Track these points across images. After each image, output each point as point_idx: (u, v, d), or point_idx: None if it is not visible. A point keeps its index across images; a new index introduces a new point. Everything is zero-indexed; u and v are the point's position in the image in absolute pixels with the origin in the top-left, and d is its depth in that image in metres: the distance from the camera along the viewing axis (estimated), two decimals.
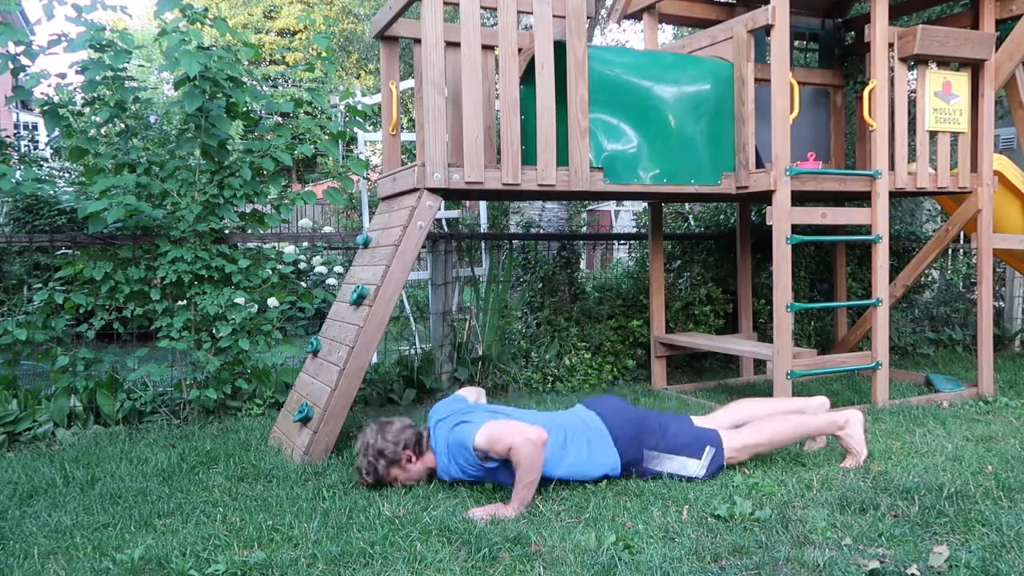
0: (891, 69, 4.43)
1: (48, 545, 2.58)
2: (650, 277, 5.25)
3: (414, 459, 3.08)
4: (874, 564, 2.26)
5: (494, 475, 2.96)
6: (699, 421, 3.29)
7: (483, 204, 5.89)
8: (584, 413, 3.19)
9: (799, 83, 4.33)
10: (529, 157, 3.96)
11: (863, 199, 5.15)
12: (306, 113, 5.16)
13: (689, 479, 3.08)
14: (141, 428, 4.16)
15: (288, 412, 3.86)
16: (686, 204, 6.59)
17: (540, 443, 2.81)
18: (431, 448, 3.12)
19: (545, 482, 3.03)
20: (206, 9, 4.47)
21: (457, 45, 3.79)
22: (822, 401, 3.49)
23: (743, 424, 3.28)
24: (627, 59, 4.21)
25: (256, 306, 4.59)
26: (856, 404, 4.43)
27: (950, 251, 7.20)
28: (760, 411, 3.38)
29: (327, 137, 4.66)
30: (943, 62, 4.53)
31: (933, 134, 4.59)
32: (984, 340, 4.77)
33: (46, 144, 7.75)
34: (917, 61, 4.47)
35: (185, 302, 4.44)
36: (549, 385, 5.09)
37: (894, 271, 5.51)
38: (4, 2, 4.08)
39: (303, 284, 7.69)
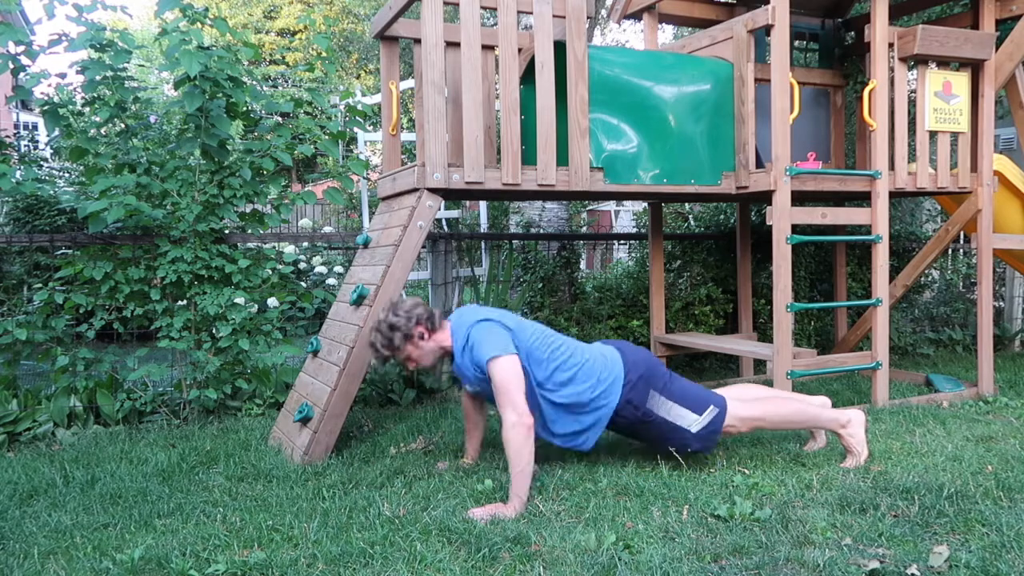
0: (891, 69, 4.43)
1: (48, 545, 2.58)
2: (650, 277, 5.25)
3: (427, 335, 3.14)
4: (874, 564, 2.26)
5: (491, 393, 3.03)
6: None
7: (483, 204, 5.89)
8: (603, 347, 3.28)
9: (799, 83, 4.33)
10: (529, 157, 3.96)
11: (863, 199, 5.14)
12: (306, 113, 5.16)
13: (683, 435, 3.12)
14: (141, 428, 4.16)
15: (288, 412, 3.86)
16: (686, 204, 6.59)
17: (524, 427, 2.86)
18: (446, 327, 3.18)
19: (544, 483, 3.03)
20: (206, 9, 4.47)
21: (457, 45, 3.79)
22: (823, 401, 3.49)
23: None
24: (627, 59, 4.21)
25: (256, 306, 4.59)
26: (856, 404, 4.43)
27: (950, 251, 7.20)
28: (767, 393, 3.45)
29: (327, 137, 4.66)
30: (943, 62, 4.53)
31: (933, 134, 4.59)
32: (984, 340, 4.77)
33: (46, 144, 7.76)
34: (917, 61, 4.47)
35: (185, 302, 4.44)
36: None
37: (894, 271, 5.51)
38: (4, 2, 4.08)
39: (303, 284, 7.68)
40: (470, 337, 3.09)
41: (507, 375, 2.94)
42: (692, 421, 3.14)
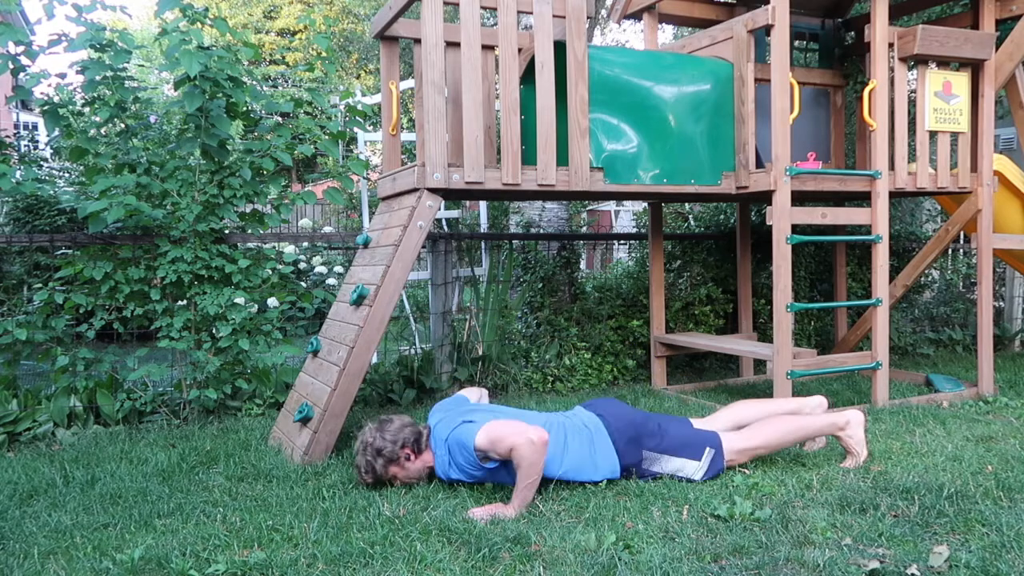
0: (891, 69, 4.43)
1: (48, 545, 2.57)
2: (650, 277, 5.25)
3: (413, 457, 3.07)
4: (874, 564, 2.26)
5: (494, 475, 2.96)
6: (699, 423, 3.29)
7: (483, 204, 5.89)
8: (584, 415, 3.19)
9: (799, 83, 4.33)
10: (529, 157, 3.96)
11: (863, 199, 5.15)
12: (306, 113, 5.16)
13: (689, 480, 3.08)
14: (141, 428, 4.16)
15: (288, 412, 3.86)
16: (686, 204, 6.59)
17: (542, 444, 2.80)
18: (430, 447, 3.11)
19: (545, 482, 3.03)
20: (206, 9, 4.47)
21: (457, 45, 3.79)
22: (820, 401, 3.48)
23: (743, 426, 3.28)
24: (627, 59, 4.21)
25: (256, 306, 4.59)
26: (856, 404, 4.43)
27: (950, 251, 7.20)
28: (759, 412, 3.37)
29: (327, 137, 4.66)
30: (943, 62, 4.53)
31: (933, 134, 4.59)
32: (984, 340, 4.77)
33: (46, 144, 7.76)
34: (917, 61, 4.47)
35: (185, 302, 4.44)
36: (549, 385, 5.10)
37: (894, 271, 5.51)
38: (4, 2, 4.08)
39: (303, 284, 7.69)
40: (450, 450, 3.00)
41: (495, 429, 2.86)
42: (694, 470, 3.09)
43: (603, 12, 8.78)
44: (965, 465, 3.21)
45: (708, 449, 3.11)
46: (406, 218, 3.65)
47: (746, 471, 3.17)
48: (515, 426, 2.86)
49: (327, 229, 10.78)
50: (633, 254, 6.53)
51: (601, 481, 3.06)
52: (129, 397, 4.26)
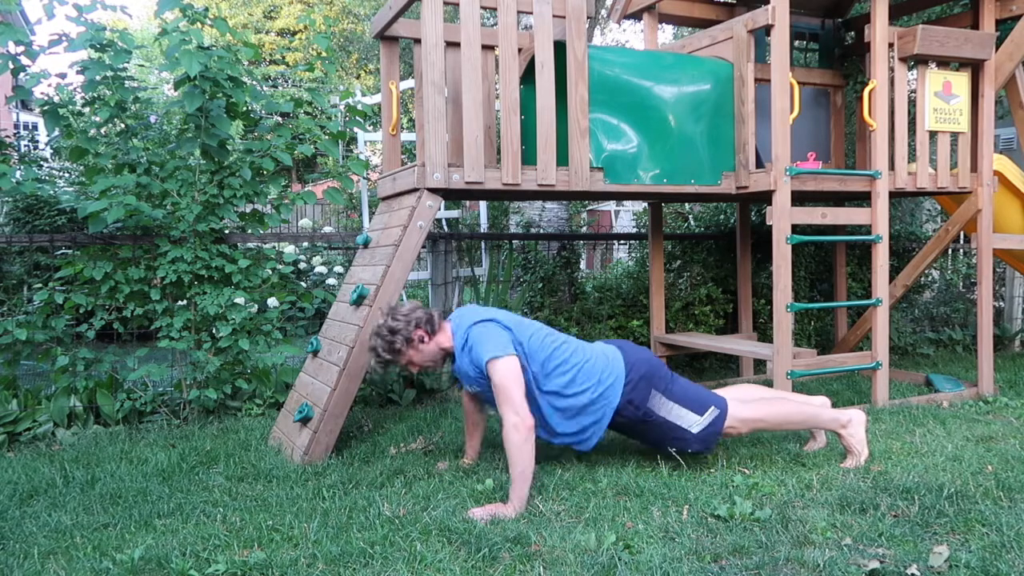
0: (891, 69, 4.43)
1: (48, 545, 2.58)
2: (650, 277, 5.25)
3: (427, 338, 3.14)
4: (874, 564, 2.26)
5: (491, 394, 3.03)
6: None
7: (483, 204, 5.89)
8: (604, 346, 3.27)
9: (799, 83, 4.33)
10: (529, 157, 3.96)
11: (863, 199, 5.15)
12: (306, 113, 5.16)
13: (683, 434, 3.12)
14: (141, 428, 4.16)
15: (288, 412, 3.86)
16: (686, 204, 6.59)
17: (526, 428, 2.85)
18: (446, 328, 3.18)
19: (545, 482, 3.03)
20: (206, 9, 4.47)
21: (457, 45, 3.79)
22: (823, 401, 3.49)
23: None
24: (627, 59, 4.21)
25: (256, 306, 4.59)
26: (856, 404, 4.43)
27: (950, 251, 7.20)
28: (767, 393, 3.44)
29: (327, 137, 4.66)
30: (943, 62, 4.53)
31: (933, 134, 4.59)
32: (984, 340, 4.77)
33: (46, 144, 7.76)
34: (917, 61, 4.47)
35: (185, 302, 4.44)
36: None
37: (894, 271, 5.51)
38: (4, 2, 4.07)
39: (303, 284, 7.69)
40: (469, 338, 3.08)
41: (506, 376, 2.93)
42: (693, 422, 3.14)
43: (603, 12, 8.78)
44: (965, 465, 3.21)
45: (713, 408, 3.17)
46: (406, 218, 3.65)
47: (746, 471, 3.17)
48: (517, 396, 2.90)
49: (327, 229, 10.78)
50: (633, 254, 6.53)
51: (600, 404, 3.10)
52: (129, 397, 4.26)
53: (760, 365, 5.54)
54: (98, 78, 4.21)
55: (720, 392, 3.36)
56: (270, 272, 4.66)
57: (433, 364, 3.21)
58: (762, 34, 4.73)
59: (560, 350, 3.13)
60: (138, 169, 4.32)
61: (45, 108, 4.23)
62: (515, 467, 2.82)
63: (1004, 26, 4.80)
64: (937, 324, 6.80)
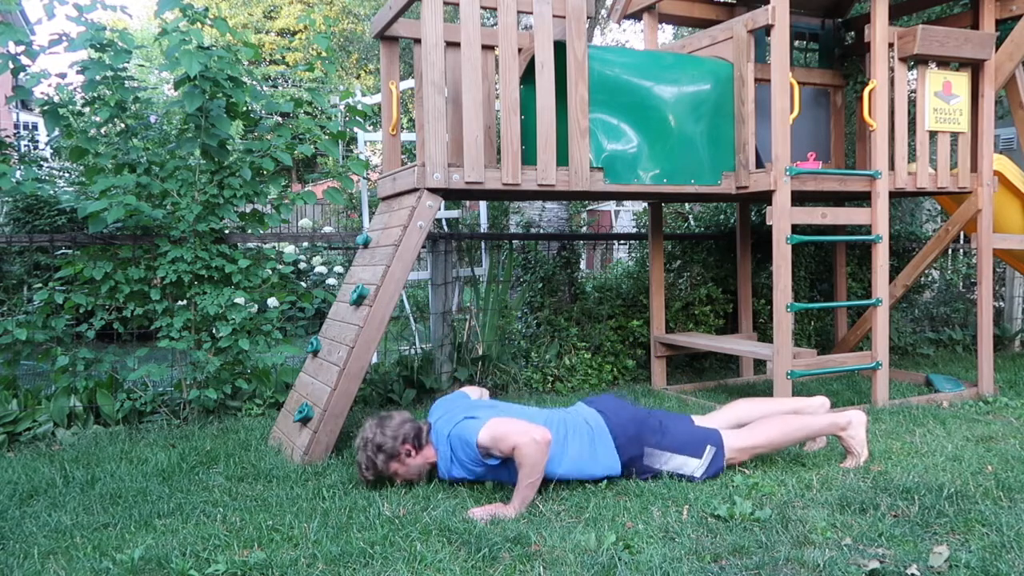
0: (891, 69, 4.43)
1: (48, 545, 2.57)
2: (650, 277, 5.25)
3: (413, 453, 3.07)
4: (874, 564, 2.26)
5: (496, 473, 2.96)
6: (700, 421, 3.29)
7: (483, 204, 5.89)
8: (585, 411, 3.19)
9: (799, 83, 4.33)
10: (529, 157, 3.96)
11: (863, 199, 5.15)
12: (306, 113, 5.16)
13: (689, 478, 3.08)
14: (141, 428, 4.16)
15: (288, 412, 3.86)
16: (686, 204, 6.59)
17: (544, 443, 2.80)
18: (431, 443, 3.11)
19: (545, 482, 3.03)
20: (206, 9, 4.47)
21: (457, 45, 3.79)
22: (822, 401, 3.48)
23: (743, 424, 3.28)
24: (627, 59, 4.21)
25: (256, 306, 4.59)
26: (856, 404, 4.43)
27: (950, 251, 7.21)
28: (761, 411, 3.37)
29: (327, 137, 4.66)
30: (943, 62, 4.53)
31: (933, 134, 4.59)
32: (984, 340, 4.77)
33: (46, 144, 7.76)
34: (917, 61, 4.47)
35: (185, 302, 4.44)
36: (549, 385, 5.10)
37: (894, 271, 5.51)
38: (4, 2, 4.08)
39: (303, 284, 7.69)
40: (452, 445, 3.00)
41: (498, 426, 2.86)
42: (695, 467, 3.09)
43: (603, 12, 8.78)
44: (965, 465, 3.21)
45: (709, 447, 3.11)
46: (406, 218, 3.65)
47: (746, 471, 3.17)
48: (518, 425, 2.86)
49: (327, 229, 10.78)
50: (633, 254, 6.53)
51: (602, 479, 3.06)
52: (129, 397, 4.26)
53: (760, 365, 5.54)
54: (98, 78, 4.21)
55: (713, 421, 3.31)
56: (270, 272, 4.66)
57: (418, 477, 3.11)
58: (762, 34, 4.73)
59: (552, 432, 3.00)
60: (138, 169, 4.32)
61: (45, 108, 4.23)
62: (527, 477, 2.79)
63: (1004, 26, 4.80)
64: (937, 324, 6.80)
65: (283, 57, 22.40)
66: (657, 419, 3.19)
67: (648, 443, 3.10)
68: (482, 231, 5.84)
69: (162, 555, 2.42)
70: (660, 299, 5.21)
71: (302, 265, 8.96)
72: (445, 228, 5.81)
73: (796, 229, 4.81)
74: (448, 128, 3.73)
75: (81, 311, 4.32)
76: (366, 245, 4.07)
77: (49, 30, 32.90)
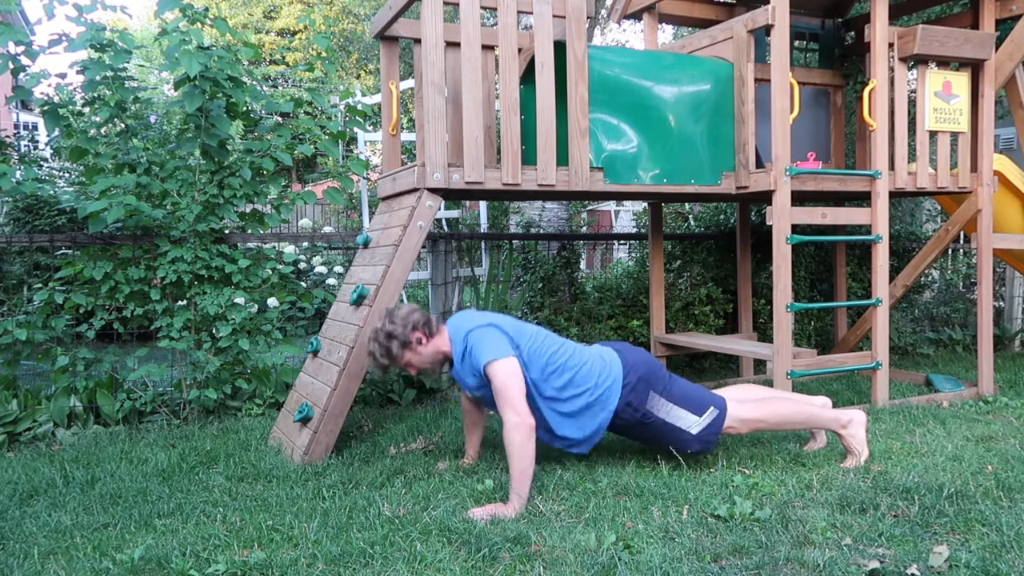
0: (891, 69, 4.43)
1: (48, 545, 2.58)
2: (650, 277, 5.25)
3: (424, 340, 3.13)
4: (874, 564, 2.26)
5: (491, 397, 3.02)
6: None
7: (483, 204, 5.89)
8: (601, 348, 3.26)
9: (799, 83, 4.33)
10: (529, 157, 3.96)
11: (863, 199, 5.15)
12: (306, 113, 5.16)
13: (683, 434, 3.12)
14: (141, 428, 4.16)
15: (288, 412, 3.86)
16: (686, 204, 6.59)
17: (527, 427, 2.85)
18: (444, 332, 3.17)
19: (545, 482, 3.03)
20: (206, 9, 4.47)
21: (457, 45, 3.79)
22: (823, 401, 3.49)
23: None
24: (627, 59, 4.20)
25: (256, 306, 4.59)
26: (856, 404, 4.43)
27: (950, 251, 7.20)
28: (767, 393, 3.43)
29: (327, 137, 4.66)
30: (943, 62, 4.53)
31: (933, 134, 4.59)
32: (984, 340, 4.77)
33: (46, 144, 7.76)
34: (917, 61, 4.47)
35: (185, 302, 4.44)
36: None
37: (894, 271, 5.51)
38: (4, 2, 4.08)
39: (303, 284, 7.69)
40: (468, 342, 3.07)
41: (506, 378, 2.93)
42: (692, 423, 3.13)
43: (603, 12, 8.78)
44: (965, 465, 3.21)
45: (712, 408, 3.16)
46: (406, 218, 3.65)
47: (746, 471, 3.17)
48: (520, 402, 2.90)
49: (327, 229, 10.78)
50: (633, 254, 6.53)
51: (599, 407, 3.10)
52: (129, 397, 4.26)
53: (760, 365, 5.54)
54: (98, 78, 4.21)
55: (719, 392, 3.35)
56: (270, 272, 4.66)
57: (432, 366, 3.20)
58: (762, 34, 4.73)
59: (557, 354, 3.12)
60: (138, 169, 4.32)
61: (45, 108, 4.23)
62: (516, 467, 2.82)
63: (1004, 26, 4.80)
64: (937, 324, 6.80)
65: (283, 57, 22.39)
66: (668, 372, 3.26)
67: (655, 388, 3.15)
68: (482, 231, 5.84)
69: (162, 555, 2.42)
70: (660, 299, 5.21)
71: (302, 265, 8.96)
72: (445, 228, 5.81)
73: (796, 229, 4.81)
74: (448, 128, 3.73)
75: (81, 311, 4.32)
76: (366, 245, 4.07)
77: (49, 30, 32.90)
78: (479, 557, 2.38)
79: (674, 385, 3.20)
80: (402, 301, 5.57)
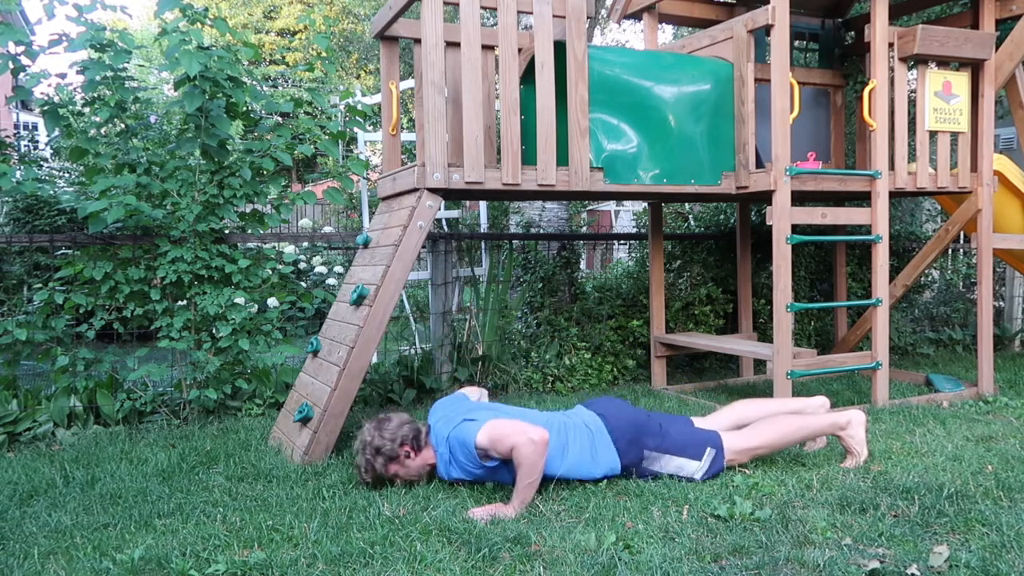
0: (891, 69, 4.43)
1: (48, 545, 2.58)
2: (650, 277, 5.25)
3: (413, 455, 3.07)
4: (874, 564, 2.26)
5: (494, 474, 2.96)
6: (699, 422, 3.29)
7: (483, 204, 5.89)
8: (585, 414, 3.19)
9: (799, 83, 4.33)
10: (529, 157, 3.96)
11: (863, 199, 5.15)
12: (306, 113, 5.16)
13: (689, 480, 3.08)
14: (141, 428, 4.16)
15: (288, 412, 3.86)
16: (686, 204, 6.59)
17: (542, 443, 2.81)
18: (430, 444, 3.11)
19: (545, 482, 3.03)
20: (206, 9, 4.47)
21: (457, 45, 3.79)
22: (822, 401, 3.48)
23: (743, 425, 3.28)
24: (627, 59, 4.21)
25: (256, 306, 4.59)
26: (856, 404, 4.43)
27: (950, 251, 7.20)
28: (761, 412, 3.37)
29: (327, 137, 4.66)
30: (943, 62, 4.53)
31: (933, 134, 4.59)
32: (984, 340, 4.77)
33: (46, 144, 7.76)
34: (917, 61, 4.47)
35: (185, 302, 4.44)
36: (549, 385, 5.09)
37: (894, 271, 5.51)
38: (4, 2, 4.08)
39: (303, 284, 7.69)
40: (451, 447, 3.00)
41: (496, 428, 2.86)
42: (695, 470, 3.09)
43: (603, 12, 8.78)
44: (965, 465, 3.21)
45: (709, 449, 3.11)
46: (406, 218, 3.65)
47: (746, 471, 3.17)
48: (516, 425, 2.86)
49: (327, 229, 10.78)
50: (633, 254, 6.53)
51: (601, 479, 3.06)
52: (129, 397, 4.26)
53: (760, 365, 5.54)
54: (98, 78, 4.21)
55: (713, 423, 3.30)
56: (270, 272, 4.66)
57: (418, 478, 3.11)
58: (762, 34, 4.73)
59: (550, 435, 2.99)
60: (138, 169, 4.32)
61: (45, 108, 4.23)
62: (525, 477, 2.79)
63: (1004, 26, 4.80)
64: (937, 324, 6.80)
65: (283, 57, 22.39)
66: (656, 422, 3.18)
67: (648, 446, 3.10)
68: (482, 231, 5.84)
69: (162, 555, 2.42)
70: (660, 299, 5.21)
71: (302, 265, 8.96)
72: (445, 228, 5.81)
73: (796, 229, 4.80)
74: (448, 128, 3.73)
75: (81, 311, 4.32)
76: (366, 245, 4.07)
77: (49, 30, 32.89)
78: (479, 557, 2.38)
79: (667, 436, 3.12)
80: (402, 302, 5.57)
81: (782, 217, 4.10)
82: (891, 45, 4.40)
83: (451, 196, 4.46)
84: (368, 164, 5.13)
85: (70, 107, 4.38)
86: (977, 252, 4.80)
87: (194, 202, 4.32)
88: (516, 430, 2.83)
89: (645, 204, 5.76)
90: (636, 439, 3.09)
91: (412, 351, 5.17)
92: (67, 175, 8.23)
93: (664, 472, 3.10)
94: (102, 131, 4.49)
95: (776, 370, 4.14)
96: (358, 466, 3.07)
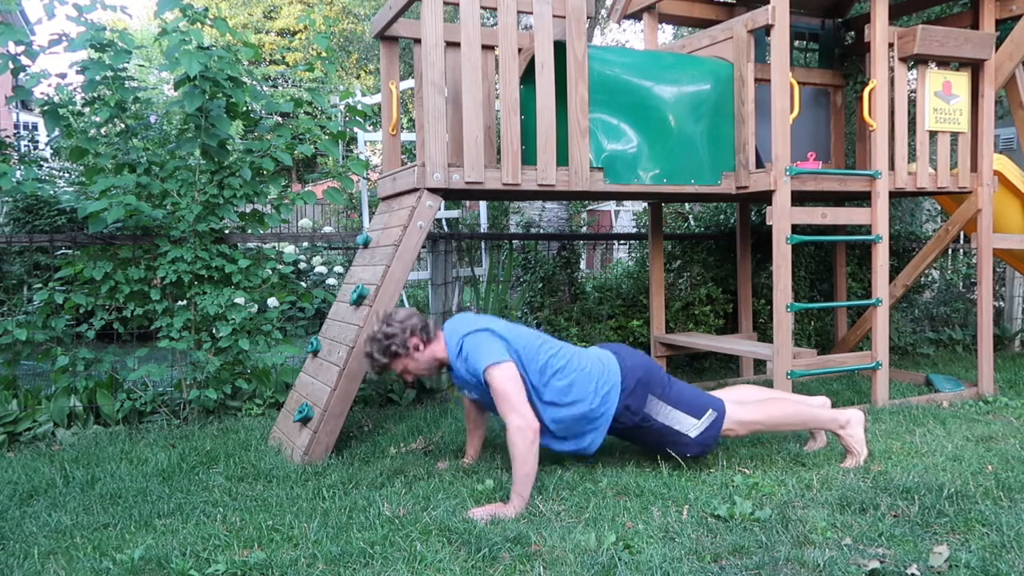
0: (891, 69, 4.43)
1: (48, 545, 2.58)
2: (650, 277, 5.25)
3: (422, 347, 3.12)
4: (874, 564, 2.26)
5: (490, 401, 3.00)
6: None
7: (483, 204, 5.89)
8: (599, 351, 3.24)
9: (799, 83, 4.33)
10: (529, 157, 3.96)
11: (863, 199, 5.15)
12: (306, 113, 5.16)
13: (682, 437, 3.11)
14: (141, 428, 4.16)
15: (288, 412, 3.86)
16: (686, 204, 6.59)
17: (533, 434, 2.84)
18: (440, 337, 3.15)
19: (545, 481, 3.03)
20: (206, 9, 4.47)
21: (457, 45, 3.79)
22: (823, 401, 3.49)
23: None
24: (627, 59, 4.20)
25: (256, 306, 4.59)
26: (856, 404, 4.43)
27: (950, 251, 7.20)
28: (764, 397, 3.42)
29: (327, 137, 4.66)
30: (943, 62, 4.53)
31: (933, 134, 4.59)
32: (984, 340, 4.77)
33: (46, 144, 7.77)
34: (917, 61, 4.47)
35: (185, 302, 4.44)
36: None
37: (894, 271, 5.51)
38: (4, 2, 4.08)
39: (303, 284, 7.68)
40: (463, 347, 3.05)
41: (506, 382, 2.91)
42: (691, 425, 3.13)
43: (603, 12, 8.78)
44: (965, 465, 3.21)
45: (711, 411, 3.15)
46: (406, 218, 3.65)
47: (746, 471, 3.17)
48: (522, 405, 2.88)
49: (327, 229, 10.78)
50: (633, 254, 6.53)
51: (598, 412, 3.08)
52: (129, 397, 4.26)
53: (760, 365, 5.54)
54: (98, 78, 4.21)
55: (718, 393, 3.35)
56: (270, 272, 4.66)
57: (428, 372, 3.18)
58: (762, 34, 4.73)
59: (556, 358, 3.10)
60: (138, 169, 4.32)
61: (45, 108, 4.23)
62: (519, 470, 2.81)
63: (1004, 26, 4.80)
64: (937, 324, 6.80)
65: (283, 57, 22.39)
66: (667, 375, 3.25)
67: (654, 392, 3.14)
68: (482, 231, 5.84)
69: (162, 555, 2.42)
70: (660, 299, 5.21)
71: (302, 265, 8.96)
72: (445, 228, 5.81)
73: (796, 229, 4.81)
74: (448, 128, 3.73)
75: (81, 311, 4.32)
76: (366, 245, 4.07)
77: (49, 30, 32.91)
78: (479, 557, 2.38)
79: (672, 388, 3.19)
80: (402, 302, 5.57)
81: (782, 217, 4.10)
82: (891, 45, 4.40)
83: (451, 196, 4.46)
84: (368, 164, 5.13)
85: (70, 107, 4.38)
86: (977, 252, 4.80)
87: (194, 202, 4.32)
88: (519, 409, 2.86)
89: (645, 204, 5.76)
90: (644, 381, 3.12)
91: None
92: (67, 175, 8.23)
93: (660, 421, 3.12)
94: (102, 131, 4.49)
95: (776, 370, 4.14)
96: (368, 354, 3.12)
